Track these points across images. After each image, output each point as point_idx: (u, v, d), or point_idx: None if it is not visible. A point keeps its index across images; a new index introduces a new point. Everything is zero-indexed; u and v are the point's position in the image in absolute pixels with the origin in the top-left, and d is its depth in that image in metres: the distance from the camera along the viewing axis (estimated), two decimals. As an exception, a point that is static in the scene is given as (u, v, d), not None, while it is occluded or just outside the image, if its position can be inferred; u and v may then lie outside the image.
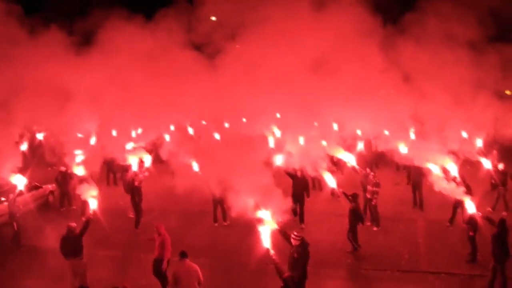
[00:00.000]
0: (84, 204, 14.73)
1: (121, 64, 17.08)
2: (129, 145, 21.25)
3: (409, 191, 19.77)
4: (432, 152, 15.86)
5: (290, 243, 11.30)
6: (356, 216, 15.11)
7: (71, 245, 12.37)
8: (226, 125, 27.69)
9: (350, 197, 15.19)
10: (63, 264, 12.71)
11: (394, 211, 18.66)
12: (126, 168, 19.06)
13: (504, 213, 17.15)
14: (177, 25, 18.33)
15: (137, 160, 18.77)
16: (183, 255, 11.15)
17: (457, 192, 13.98)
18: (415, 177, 18.99)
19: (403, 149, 19.68)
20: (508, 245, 12.46)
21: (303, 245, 11.31)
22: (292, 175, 17.23)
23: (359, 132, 23.65)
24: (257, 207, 11.07)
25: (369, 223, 16.96)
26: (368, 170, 18.20)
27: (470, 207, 13.44)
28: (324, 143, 18.91)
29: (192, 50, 18.47)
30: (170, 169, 19.31)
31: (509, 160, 20.23)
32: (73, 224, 12.74)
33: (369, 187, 17.22)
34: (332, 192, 17.38)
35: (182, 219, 18.27)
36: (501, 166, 18.80)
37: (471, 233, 14.18)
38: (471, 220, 13.87)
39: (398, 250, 15.37)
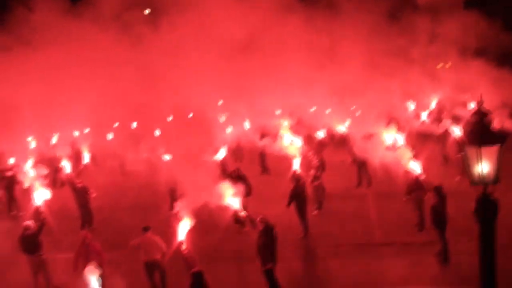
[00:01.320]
0: (36, 208, 14.34)
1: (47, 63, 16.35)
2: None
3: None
4: (373, 126, 16.30)
5: (252, 227, 11.38)
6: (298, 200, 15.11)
7: (29, 243, 12.42)
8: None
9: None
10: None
11: (345, 188, 19.04)
12: (59, 169, 18.67)
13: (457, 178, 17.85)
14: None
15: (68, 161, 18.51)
16: (145, 229, 11.94)
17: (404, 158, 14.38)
18: (358, 154, 19.37)
19: (342, 127, 20.05)
20: (445, 212, 12.78)
21: (268, 229, 11.27)
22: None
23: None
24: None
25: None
26: (310, 153, 18.33)
27: (415, 169, 13.76)
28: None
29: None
30: (120, 165, 18.94)
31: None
32: (29, 222, 12.72)
33: (312, 171, 17.26)
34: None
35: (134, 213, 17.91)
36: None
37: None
38: (416, 184, 14.27)
39: (352, 226, 15.69)
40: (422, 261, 13.09)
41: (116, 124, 25.82)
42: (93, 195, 17.36)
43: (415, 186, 14.63)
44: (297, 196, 15.05)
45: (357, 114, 22.14)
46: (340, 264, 13.51)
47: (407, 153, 14.64)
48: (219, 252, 14.18)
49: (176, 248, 10.35)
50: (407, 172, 14.93)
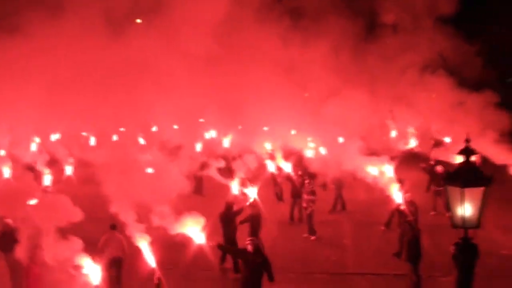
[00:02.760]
0: None
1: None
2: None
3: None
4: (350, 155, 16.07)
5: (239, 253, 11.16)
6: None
7: (7, 240, 12.32)
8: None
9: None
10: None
11: (322, 214, 18.67)
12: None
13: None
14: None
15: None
16: (112, 226, 12.22)
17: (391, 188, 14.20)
18: (336, 181, 19.14)
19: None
20: (419, 247, 12.48)
21: (258, 249, 10.94)
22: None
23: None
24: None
25: (305, 235, 16.69)
26: (305, 178, 17.83)
27: (398, 197, 13.77)
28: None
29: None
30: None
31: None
32: (9, 220, 12.65)
33: (304, 196, 16.92)
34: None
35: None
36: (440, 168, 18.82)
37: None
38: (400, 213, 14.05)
39: (326, 253, 15.33)
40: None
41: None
42: None
43: (399, 216, 14.36)
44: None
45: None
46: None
47: (393, 184, 14.38)
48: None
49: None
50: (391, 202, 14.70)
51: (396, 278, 13.64)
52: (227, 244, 13.01)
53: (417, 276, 12.50)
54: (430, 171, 19.59)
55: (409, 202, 14.10)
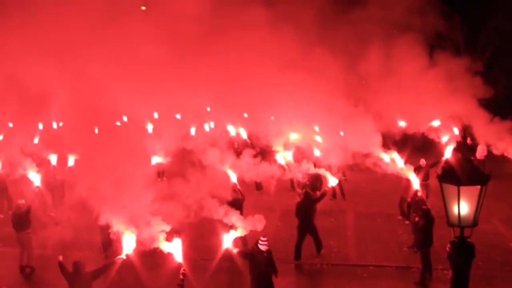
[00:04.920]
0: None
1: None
2: None
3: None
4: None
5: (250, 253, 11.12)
6: None
7: (18, 219, 13.64)
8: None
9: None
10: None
11: (325, 204, 18.49)
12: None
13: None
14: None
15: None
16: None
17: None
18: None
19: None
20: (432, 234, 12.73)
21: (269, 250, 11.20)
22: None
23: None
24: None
25: None
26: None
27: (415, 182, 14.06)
28: None
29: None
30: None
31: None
32: (21, 201, 13.86)
33: (298, 190, 16.69)
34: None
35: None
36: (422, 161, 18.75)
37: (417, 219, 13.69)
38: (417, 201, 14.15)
39: (328, 243, 15.20)
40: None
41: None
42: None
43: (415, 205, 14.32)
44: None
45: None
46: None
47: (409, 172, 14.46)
48: None
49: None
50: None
51: (398, 271, 13.63)
52: None
53: (427, 263, 12.72)
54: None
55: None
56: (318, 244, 14.52)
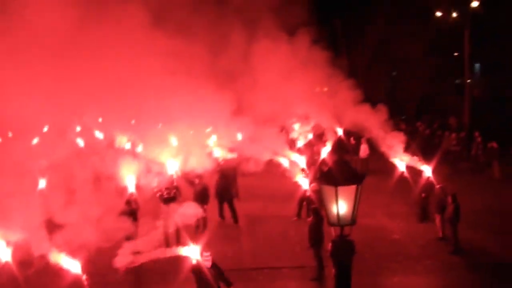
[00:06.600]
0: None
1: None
2: None
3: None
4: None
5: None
6: None
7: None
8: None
9: None
10: None
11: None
12: None
13: None
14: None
15: None
16: None
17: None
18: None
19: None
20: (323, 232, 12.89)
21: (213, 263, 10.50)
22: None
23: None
24: None
25: None
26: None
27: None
28: None
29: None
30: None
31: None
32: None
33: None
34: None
35: None
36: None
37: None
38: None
39: (222, 249, 15.14)
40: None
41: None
42: None
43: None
44: None
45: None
46: None
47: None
48: None
49: None
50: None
51: (293, 270, 13.86)
52: None
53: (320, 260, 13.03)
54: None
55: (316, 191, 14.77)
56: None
